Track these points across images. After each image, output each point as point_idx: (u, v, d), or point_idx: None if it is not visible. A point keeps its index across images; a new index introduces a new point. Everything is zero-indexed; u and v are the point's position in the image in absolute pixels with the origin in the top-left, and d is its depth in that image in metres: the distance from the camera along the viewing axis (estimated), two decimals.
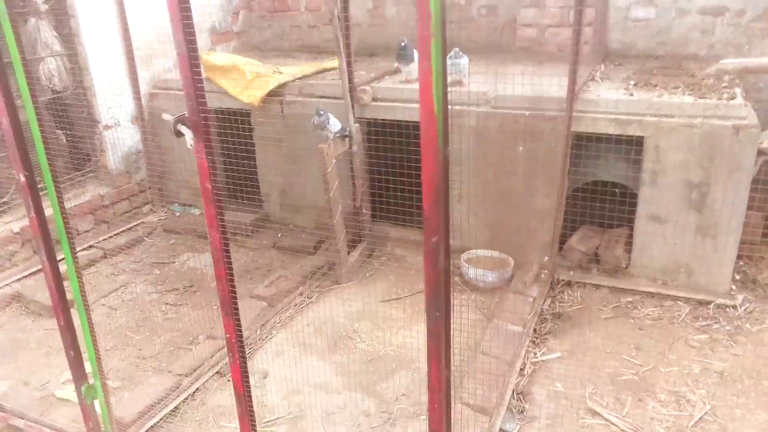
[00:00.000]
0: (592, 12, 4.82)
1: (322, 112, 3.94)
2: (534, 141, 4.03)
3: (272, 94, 4.84)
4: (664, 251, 3.92)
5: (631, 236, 4.12)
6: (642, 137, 3.76)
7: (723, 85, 3.90)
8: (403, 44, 4.48)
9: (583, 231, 4.36)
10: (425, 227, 1.53)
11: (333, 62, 5.38)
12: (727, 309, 3.76)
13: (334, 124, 4.01)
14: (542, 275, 4.16)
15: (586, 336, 3.64)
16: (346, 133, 4.25)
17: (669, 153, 3.69)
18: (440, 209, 1.56)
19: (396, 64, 4.72)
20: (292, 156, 4.99)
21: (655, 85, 3.98)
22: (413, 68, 4.53)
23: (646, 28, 4.88)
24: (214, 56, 5.14)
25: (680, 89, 3.90)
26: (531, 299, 3.91)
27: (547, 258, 4.13)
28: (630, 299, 3.98)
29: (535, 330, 3.68)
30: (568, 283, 4.18)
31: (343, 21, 4.23)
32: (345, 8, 4.22)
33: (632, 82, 4.09)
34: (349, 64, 4.31)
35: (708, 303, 3.82)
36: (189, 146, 1.71)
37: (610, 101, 3.83)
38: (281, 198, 5.22)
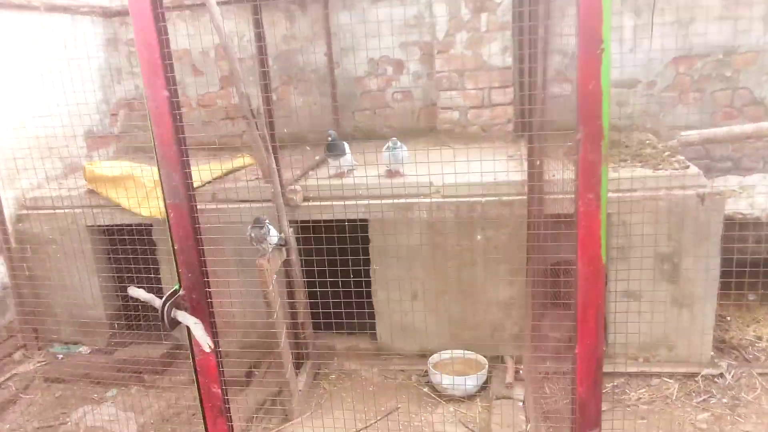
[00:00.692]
0: (511, 91, 4.79)
1: (263, 224, 3.34)
2: (493, 228, 3.72)
3: None
4: (642, 327, 3.70)
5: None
6: (608, 214, 3.59)
7: (665, 153, 3.91)
8: (331, 138, 4.06)
9: (550, 314, 4.06)
10: (581, 418, 1.09)
11: (241, 160, 4.82)
12: (716, 379, 3.58)
13: (274, 236, 3.41)
14: (520, 371, 3.76)
15: None
16: (283, 242, 3.66)
17: (636, 227, 3.54)
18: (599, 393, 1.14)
19: (323, 157, 4.26)
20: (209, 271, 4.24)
21: None
22: (346, 161, 4.11)
23: (565, 103, 4.91)
24: (100, 165, 4.35)
25: (629, 161, 3.84)
26: (520, 403, 3.47)
27: (525, 353, 3.74)
28: (615, 383, 3.69)
29: None
30: (547, 375, 3.80)
31: (266, 116, 3.73)
32: (267, 100, 3.73)
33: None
34: (276, 161, 3.78)
35: (694, 375, 3.63)
36: (207, 348, 1.12)
37: (567, 181, 3.64)
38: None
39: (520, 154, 4.42)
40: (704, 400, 3.44)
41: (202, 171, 4.50)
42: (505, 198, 3.67)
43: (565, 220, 3.76)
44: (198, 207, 3.85)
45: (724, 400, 3.41)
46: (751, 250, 3.85)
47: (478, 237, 3.75)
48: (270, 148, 3.73)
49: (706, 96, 4.73)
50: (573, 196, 3.36)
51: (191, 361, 1.51)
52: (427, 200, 3.78)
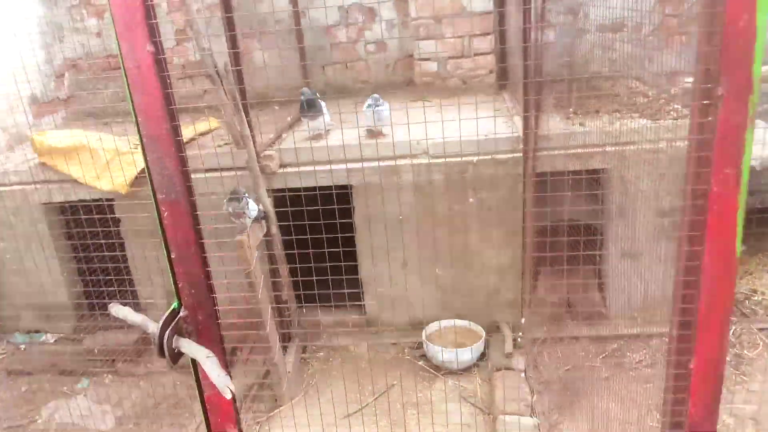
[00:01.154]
0: (492, 39, 4.48)
1: (242, 197, 3.02)
2: (486, 189, 3.49)
3: (142, 173, 3.76)
4: (641, 287, 3.58)
5: (599, 276, 3.75)
6: (605, 169, 3.40)
7: (660, 102, 3.70)
8: (305, 96, 3.71)
9: (545, 279, 3.91)
10: None
11: (206, 123, 4.43)
12: None
13: (253, 209, 3.10)
14: (518, 339, 3.62)
15: (596, 405, 3.13)
16: (263, 215, 3.36)
17: (636, 183, 3.36)
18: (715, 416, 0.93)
19: (297, 117, 3.92)
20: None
21: (597, 111, 3.67)
22: (322, 121, 3.78)
23: (548, 51, 4.64)
24: (50, 136, 3.91)
25: (623, 112, 3.63)
26: (522, 374, 3.33)
27: (523, 320, 3.59)
28: (614, 345, 3.58)
29: (543, 414, 3.09)
30: (544, 341, 3.68)
31: (235, 75, 3.35)
32: (236, 56, 3.34)
33: (571, 110, 3.74)
34: (250, 125, 3.42)
35: None
36: (228, 394, 0.86)
37: (564, 135, 3.42)
38: (170, 303, 4.10)
39: (507, 107, 4.16)
40: None
41: None
42: (499, 156, 3.43)
43: (572, 177, 3.56)
44: None
45: (727, 358, 3.34)
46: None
47: (471, 199, 3.52)
48: (241, 109, 3.37)
49: (692, 40, 4.51)
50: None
51: (198, 397, 1.24)
52: (415, 162, 3.50)
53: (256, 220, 3.25)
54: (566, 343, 3.64)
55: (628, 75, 4.43)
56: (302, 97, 3.72)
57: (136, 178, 3.75)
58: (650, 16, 4.42)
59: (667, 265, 3.48)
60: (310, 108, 3.69)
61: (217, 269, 3.29)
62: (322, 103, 3.76)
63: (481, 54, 4.50)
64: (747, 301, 3.75)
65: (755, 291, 3.84)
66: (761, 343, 3.40)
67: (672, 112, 3.51)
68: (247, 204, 3.03)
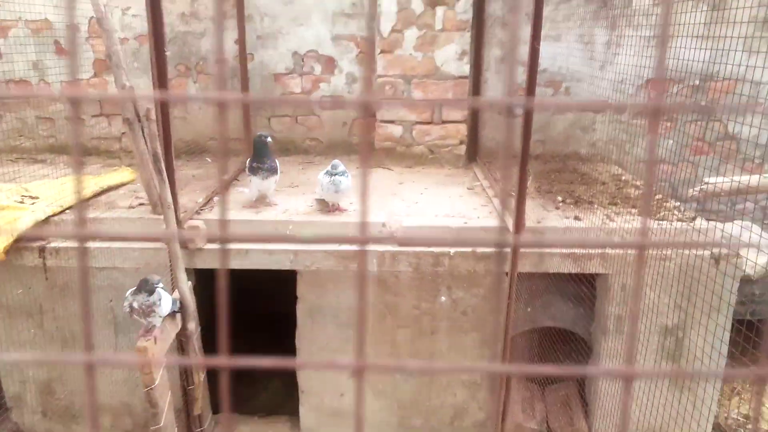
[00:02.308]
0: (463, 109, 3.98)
1: (156, 285, 2.24)
2: (462, 288, 2.87)
3: (23, 238, 2.90)
4: (634, 413, 3.02)
5: (581, 393, 3.18)
6: (604, 275, 2.87)
7: (657, 197, 3.26)
8: (261, 144, 2.99)
9: (519, 392, 3.29)
10: None
11: (120, 174, 3.63)
12: None
13: (166, 303, 2.32)
14: None
15: None
16: (178, 307, 2.57)
17: (638, 294, 2.83)
18: None
19: (244, 172, 3.18)
20: (62, 333, 3.05)
21: (590, 202, 3.17)
22: (273, 184, 3.07)
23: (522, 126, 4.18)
24: None
25: (619, 205, 3.15)
26: None
27: None
28: None
29: None
30: None
31: (159, 122, 2.62)
32: (163, 107, 2.62)
33: (559, 198, 3.23)
34: (173, 186, 2.67)
35: None
36: None
37: (557, 230, 2.88)
38: (45, 401, 3.17)
39: (480, 185, 3.62)
40: None
41: (61, 187, 3.28)
42: (480, 249, 2.83)
43: (562, 281, 3.01)
44: (51, 247, 2.67)
45: None
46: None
47: (443, 298, 2.88)
48: (162, 169, 2.62)
49: (678, 125, 4.19)
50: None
51: None
52: (380, 248, 2.85)
53: (169, 315, 2.47)
54: None
55: (609, 159, 4.03)
56: (258, 142, 3.00)
57: (15, 242, 2.88)
58: (635, 98, 4.07)
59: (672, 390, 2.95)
60: (263, 161, 2.98)
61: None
62: (277, 161, 3.07)
63: (453, 122, 3.98)
64: (742, 430, 3.27)
65: (747, 417, 3.37)
66: None
67: (675, 211, 3.06)
68: (159, 298, 2.25)
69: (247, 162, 3.07)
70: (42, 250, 2.92)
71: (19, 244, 2.88)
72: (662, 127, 4.22)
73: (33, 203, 3.06)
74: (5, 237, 2.79)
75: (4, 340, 3.05)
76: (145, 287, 2.21)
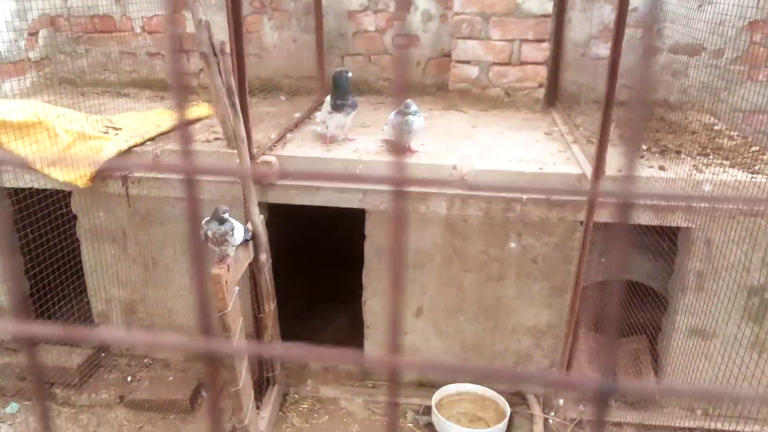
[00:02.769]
0: (547, 47, 3.78)
1: (226, 216, 2.31)
2: (533, 235, 2.80)
3: (108, 165, 3.05)
4: (708, 373, 2.91)
5: (652, 348, 3.08)
6: (687, 228, 2.72)
7: (753, 149, 3.02)
8: (344, 78, 2.98)
9: (587, 343, 3.23)
10: None
11: (198, 109, 3.71)
12: None
13: (239, 232, 2.38)
14: (550, 421, 2.93)
15: None
16: (250, 236, 2.64)
17: (725, 249, 2.68)
18: None
19: (324, 109, 3.17)
20: (144, 258, 3.22)
21: (678, 152, 2.98)
22: (349, 120, 3.07)
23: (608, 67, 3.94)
24: (3, 105, 3.17)
25: (710, 157, 2.94)
26: None
27: (562, 401, 2.90)
28: None
29: None
30: (579, 423, 3.00)
31: (234, 55, 2.64)
32: (238, 37, 2.62)
33: (644, 146, 3.05)
34: (246, 122, 2.71)
35: None
36: None
37: (639, 180, 2.72)
38: (129, 320, 3.40)
39: (558, 130, 3.47)
40: None
41: (144, 120, 3.39)
42: (554, 197, 2.73)
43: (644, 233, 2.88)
44: (134, 176, 2.78)
45: None
46: None
47: (512, 244, 2.82)
48: (237, 103, 2.65)
49: None
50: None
51: None
52: (449, 191, 2.80)
53: (242, 243, 2.54)
54: (607, 430, 2.96)
55: (701, 108, 3.75)
56: (340, 78, 2.98)
57: (102, 168, 3.03)
58: (734, 42, 3.73)
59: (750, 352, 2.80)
60: (345, 97, 2.97)
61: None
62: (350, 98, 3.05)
63: (532, 63, 3.80)
64: None
65: None
66: None
67: None
68: (232, 228, 2.32)
69: (328, 98, 3.05)
70: (125, 179, 3.06)
71: (104, 172, 3.02)
72: (763, 76, 3.88)
73: (116, 134, 3.18)
74: (91, 165, 2.94)
75: (93, 261, 3.26)
76: (216, 216, 2.28)
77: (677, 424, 2.95)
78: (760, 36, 3.81)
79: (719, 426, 2.92)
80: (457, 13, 3.80)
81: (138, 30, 4.41)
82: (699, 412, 2.99)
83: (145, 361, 3.47)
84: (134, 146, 3.10)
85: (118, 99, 4.13)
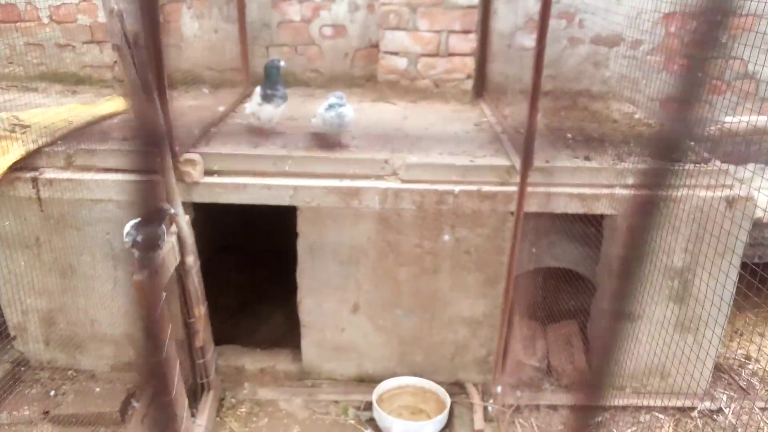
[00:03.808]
0: (474, 38, 3.81)
1: (163, 210, 2.18)
2: (466, 227, 2.81)
3: (16, 167, 2.82)
4: (636, 353, 3.03)
5: (581, 333, 3.19)
6: (612, 216, 2.80)
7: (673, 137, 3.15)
8: (276, 69, 2.88)
9: (520, 330, 3.29)
10: None
11: (114, 104, 3.51)
12: (714, 416, 3.02)
13: (167, 237, 2.26)
14: (489, 409, 2.98)
15: None
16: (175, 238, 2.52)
17: (647, 234, 2.78)
18: None
19: (249, 105, 3.06)
20: (61, 265, 3.02)
21: (601, 141, 3.07)
22: (280, 112, 2.97)
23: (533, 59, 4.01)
24: None
25: (631, 145, 3.04)
26: None
27: (500, 388, 2.95)
28: (599, 419, 3.02)
29: None
30: (518, 409, 3.07)
31: (151, 49, 2.49)
32: (153, 27, 2.47)
33: (569, 136, 3.12)
34: (166, 116, 2.56)
35: (690, 410, 3.04)
36: None
37: (566, 169, 2.79)
38: (47, 330, 3.18)
39: (487, 121, 3.51)
40: None
41: (54, 117, 3.17)
42: (485, 188, 2.75)
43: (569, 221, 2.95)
44: (44, 178, 2.59)
45: None
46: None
47: (446, 237, 2.83)
48: (156, 98, 2.51)
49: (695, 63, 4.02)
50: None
51: None
52: (382, 185, 2.77)
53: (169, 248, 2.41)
54: (543, 414, 3.04)
55: (621, 97, 3.89)
56: (272, 68, 2.88)
57: (9, 171, 2.80)
58: (650, 33, 3.88)
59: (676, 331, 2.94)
60: (276, 87, 2.88)
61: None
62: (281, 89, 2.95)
63: (459, 55, 3.81)
64: (743, 371, 3.30)
65: (749, 358, 3.40)
66: (766, 429, 2.93)
67: (689, 152, 2.96)
68: (164, 232, 2.19)
69: (258, 89, 2.95)
70: (35, 181, 2.84)
71: (11, 174, 2.80)
72: (678, 65, 4.05)
73: (24, 132, 2.95)
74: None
75: (5, 270, 3.02)
76: (157, 217, 2.14)
77: (609, 403, 3.06)
78: (674, 27, 3.97)
79: (648, 403, 3.05)
80: (384, 3, 3.76)
81: (45, 20, 4.11)
82: (628, 390, 3.12)
83: (69, 373, 3.26)
84: (44, 146, 2.89)
85: (26, 94, 3.84)
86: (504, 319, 2.90)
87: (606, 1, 3.85)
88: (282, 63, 2.92)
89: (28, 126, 3.04)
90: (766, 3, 2.48)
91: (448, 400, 2.91)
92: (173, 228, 2.53)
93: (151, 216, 2.12)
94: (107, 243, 2.89)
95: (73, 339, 3.20)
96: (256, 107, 2.95)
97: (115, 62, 4.01)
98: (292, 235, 2.90)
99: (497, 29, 3.96)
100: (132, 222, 2.21)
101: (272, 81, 2.89)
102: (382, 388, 3.01)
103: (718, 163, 2.86)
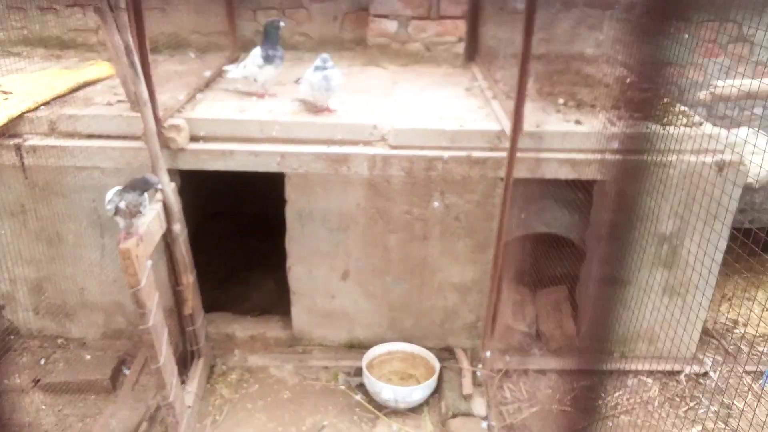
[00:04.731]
0: (465, 1, 3.72)
1: (148, 181, 2.14)
2: (455, 193, 2.79)
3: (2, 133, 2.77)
4: (623, 318, 3.05)
5: (570, 298, 3.20)
6: (602, 181, 2.78)
7: (664, 100, 3.11)
8: (278, 26, 2.86)
9: (510, 295, 3.30)
10: None
11: (98, 69, 3.43)
12: (700, 379, 3.06)
13: (150, 204, 2.23)
14: (477, 374, 3.01)
15: None
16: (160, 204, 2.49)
17: (636, 201, 2.76)
18: None
19: (246, 67, 3.01)
20: (48, 233, 2.99)
21: (592, 105, 3.03)
22: (276, 72, 2.93)
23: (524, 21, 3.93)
24: None
25: (623, 109, 3.00)
26: (483, 423, 2.73)
27: (489, 353, 2.97)
28: (586, 383, 3.05)
29: None
30: (506, 374, 3.09)
31: (132, 10, 2.41)
32: None
33: (560, 101, 3.08)
34: (149, 82, 2.51)
35: (676, 374, 3.08)
36: None
37: (557, 134, 2.76)
38: (36, 299, 3.17)
39: (479, 86, 3.45)
40: (691, 408, 2.89)
41: (37, 82, 3.10)
42: (476, 154, 2.72)
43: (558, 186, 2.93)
44: (28, 145, 2.54)
45: (714, 408, 2.89)
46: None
47: (436, 204, 2.81)
48: (136, 63, 2.45)
49: (689, 26, 3.95)
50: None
51: None
52: (371, 151, 2.74)
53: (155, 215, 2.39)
54: (532, 378, 3.07)
55: (615, 61, 3.82)
56: (272, 28, 2.87)
57: None
58: None
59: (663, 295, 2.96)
60: (276, 48, 2.86)
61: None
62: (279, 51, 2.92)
63: (451, 18, 3.73)
64: (730, 335, 3.33)
65: (736, 322, 3.42)
66: (750, 391, 2.97)
67: (681, 116, 2.93)
68: (146, 199, 2.16)
69: (257, 50, 2.93)
70: (18, 148, 2.79)
71: None
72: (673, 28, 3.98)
73: (6, 99, 2.89)
74: None
75: None
76: (141, 185, 2.11)
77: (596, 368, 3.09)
78: None
79: (635, 367, 3.08)
80: None
81: None
82: (616, 355, 3.15)
83: (59, 341, 3.27)
84: (26, 112, 2.83)
85: (8, 58, 3.75)
86: (493, 284, 2.90)
87: None
88: (282, 23, 2.91)
89: (10, 92, 2.97)
90: None
91: (437, 366, 2.94)
92: (158, 195, 2.49)
93: (134, 183, 2.10)
94: (94, 211, 2.86)
95: (62, 307, 3.20)
96: (255, 69, 2.93)
97: (99, 28, 3.91)
98: (282, 202, 2.87)
99: None
100: (113, 189, 2.18)
101: (273, 41, 2.88)
102: (371, 354, 3.03)
103: (709, 127, 2.83)
